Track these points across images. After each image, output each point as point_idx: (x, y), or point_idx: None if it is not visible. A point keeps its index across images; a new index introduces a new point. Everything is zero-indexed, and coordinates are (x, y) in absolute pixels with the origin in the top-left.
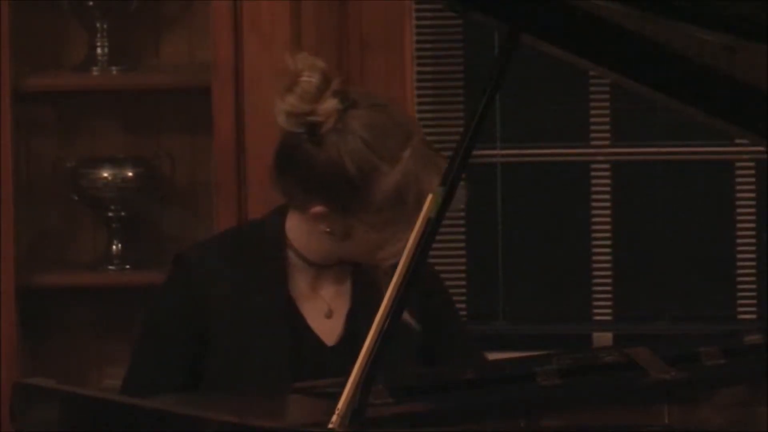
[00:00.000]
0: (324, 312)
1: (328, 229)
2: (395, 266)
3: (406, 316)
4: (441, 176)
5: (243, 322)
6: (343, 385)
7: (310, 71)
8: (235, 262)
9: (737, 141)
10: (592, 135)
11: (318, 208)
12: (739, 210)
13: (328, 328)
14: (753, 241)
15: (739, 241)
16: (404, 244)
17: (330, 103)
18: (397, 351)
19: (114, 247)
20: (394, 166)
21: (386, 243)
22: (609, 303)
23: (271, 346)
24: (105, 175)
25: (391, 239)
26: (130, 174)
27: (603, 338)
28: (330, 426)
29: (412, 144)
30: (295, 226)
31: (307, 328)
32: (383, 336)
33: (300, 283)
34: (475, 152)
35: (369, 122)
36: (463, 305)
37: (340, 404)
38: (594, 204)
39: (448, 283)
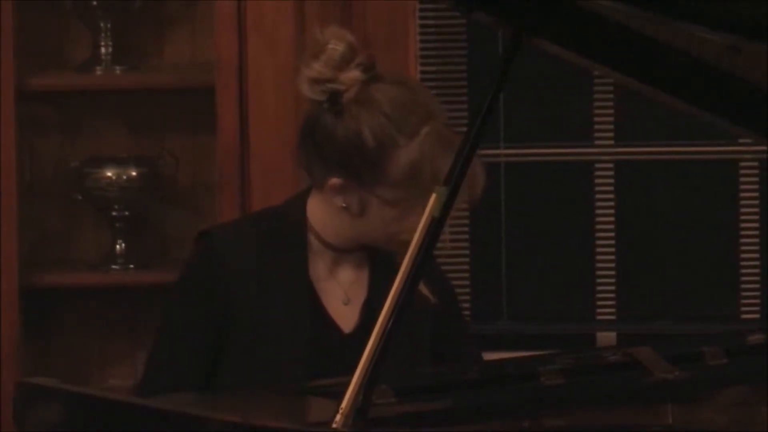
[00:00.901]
0: (341, 299)
1: (344, 204)
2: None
3: (423, 289)
4: None
5: (263, 303)
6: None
7: (337, 40)
8: (257, 244)
9: (741, 140)
10: (596, 134)
11: (335, 181)
12: (742, 209)
13: (345, 315)
14: (757, 240)
15: (742, 240)
16: (416, 220)
17: (353, 73)
18: (407, 346)
19: (117, 246)
20: (412, 141)
21: (398, 219)
22: (612, 303)
23: (290, 328)
24: (108, 174)
25: (403, 215)
26: (134, 174)
27: (606, 338)
28: (333, 426)
29: (433, 122)
30: (315, 208)
31: (325, 314)
32: (387, 335)
33: (319, 267)
34: (478, 152)
35: (391, 96)
36: (466, 305)
37: (344, 404)
38: (598, 203)
39: (452, 282)
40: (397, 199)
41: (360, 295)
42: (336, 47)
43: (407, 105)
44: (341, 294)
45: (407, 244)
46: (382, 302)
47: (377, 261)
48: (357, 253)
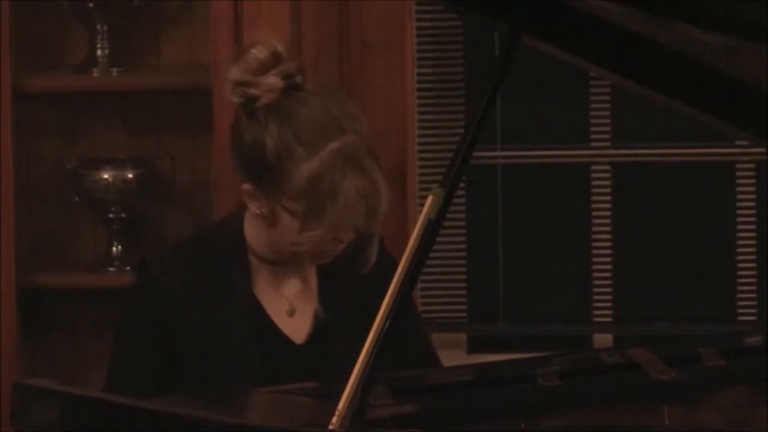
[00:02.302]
0: (285, 310)
1: (258, 211)
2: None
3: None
4: (368, 181)
5: (209, 324)
6: (311, 388)
7: (263, 47)
8: (198, 265)
9: (737, 142)
10: (593, 136)
11: (247, 186)
12: (739, 211)
13: (293, 327)
14: (753, 242)
15: (739, 242)
16: (316, 235)
17: (272, 80)
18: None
19: (114, 248)
20: (314, 156)
21: (299, 231)
22: (609, 304)
23: (240, 345)
24: (105, 176)
25: (303, 228)
26: (131, 175)
27: (603, 339)
28: (330, 427)
29: (343, 140)
30: (248, 222)
31: (273, 327)
32: (383, 337)
33: (261, 281)
34: (475, 153)
35: (304, 108)
36: (463, 306)
37: (341, 405)
38: (594, 205)
39: (448, 284)
40: (298, 211)
41: (308, 306)
42: (258, 53)
43: (319, 119)
44: (286, 306)
45: (303, 257)
46: (333, 311)
47: (325, 271)
48: (296, 265)
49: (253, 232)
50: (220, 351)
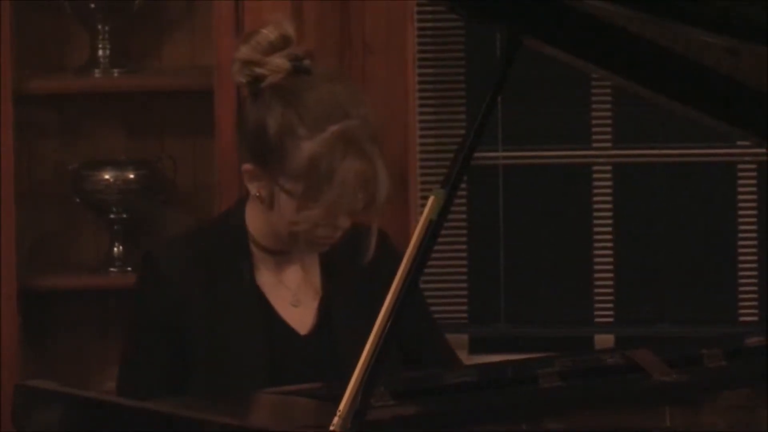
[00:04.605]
0: (289, 301)
1: (257, 193)
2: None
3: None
4: (367, 166)
5: (214, 315)
6: (321, 392)
7: (273, 28)
8: (202, 257)
9: (739, 143)
10: (594, 137)
11: (247, 166)
12: (740, 212)
13: (298, 317)
14: (754, 242)
15: (740, 243)
16: (312, 215)
17: (279, 61)
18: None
19: (116, 249)
20: (316, 136)
21: (296, 212)
22: (610, 305)
23: (245, 336)
24: (107, 177)
25: (300, 208)
26: (132, 176)
27: (604, 340)
28: (331, 428)
29: (346, 123)
30: (250, 211)
31: (277, 317)
32: (385, 338)
33: (264, 272)
34: (476, 154)
35: (310, 91)
36: (464, 307)
37: (342, 406)
38: (595, 206)
39: (449, 285)
40: (296, 191)
41: (312, 297)
42: (268, 34)
43: (324, 102)
44: (289, 296)
45: (298, 236)
46: (337, 302)
47: (326, 263)
48: (303, 256)
49: (254, 220)
50: (227, 341)
